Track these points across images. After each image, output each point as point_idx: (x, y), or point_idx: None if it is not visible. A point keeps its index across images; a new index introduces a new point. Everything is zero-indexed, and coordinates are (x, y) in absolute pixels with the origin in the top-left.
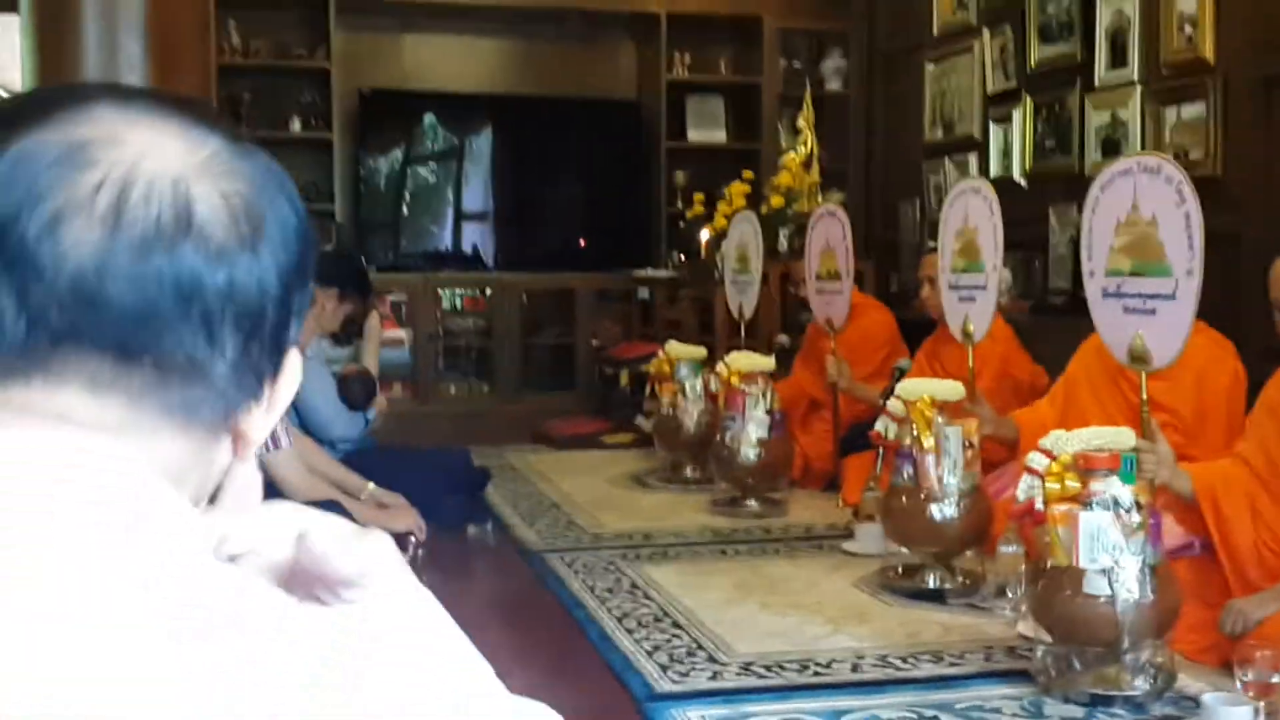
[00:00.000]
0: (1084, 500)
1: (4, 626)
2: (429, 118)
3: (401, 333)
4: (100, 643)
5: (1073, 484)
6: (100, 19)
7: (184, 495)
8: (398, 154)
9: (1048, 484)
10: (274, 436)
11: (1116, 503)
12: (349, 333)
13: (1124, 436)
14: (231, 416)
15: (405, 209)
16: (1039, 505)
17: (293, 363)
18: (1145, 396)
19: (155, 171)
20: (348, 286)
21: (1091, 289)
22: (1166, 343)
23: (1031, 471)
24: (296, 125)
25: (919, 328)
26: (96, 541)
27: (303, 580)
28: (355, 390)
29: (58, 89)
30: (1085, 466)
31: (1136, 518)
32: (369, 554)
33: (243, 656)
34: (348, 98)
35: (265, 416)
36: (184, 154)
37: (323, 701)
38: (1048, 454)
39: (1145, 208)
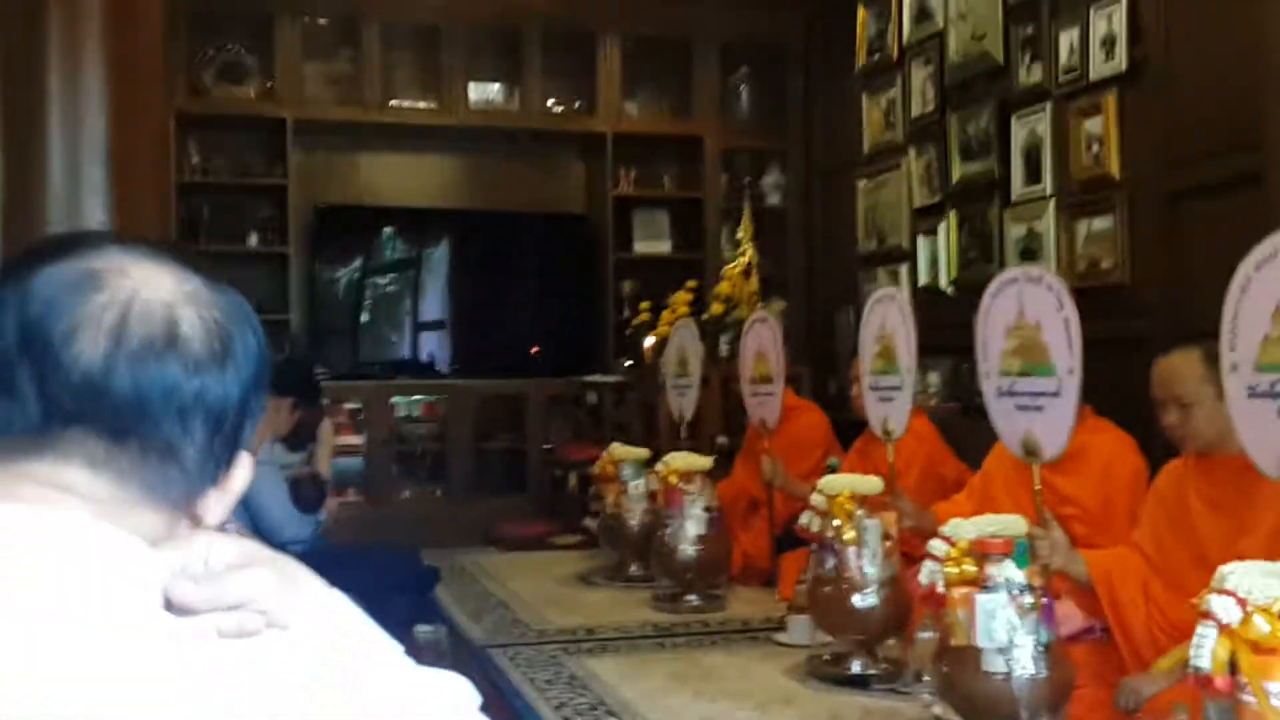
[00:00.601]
0: (980, 583)
1: (4, 627)
2: (385, 231)
3: (357, 440)
4: (100, 643)
5: (970, 568)
6: (64, 148)
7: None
8: (353, 266)
9: (947, 568)
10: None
11: (1011, 585)
12: (302, 438)
13: (1017, 524)
14: (193, 499)
15: (362, 319)
16: (940, 589)
17: (243, 460)
18: (1038, 487)
19: (150, 297)
20: (300, 394)
21: (987, 388)
22: (1054, 436)
23: (932, 557)
24: (254, 240)
25: (857, 428)
26: (96, 542)
27: None
28: (306, 493)
29: (76, 234)
30: (981, 551)
31: (1030, 599)
32: (244, 585)
33: (243, 656)
34: (304, 213)
35: (219, 502)
36: (174, 286)
37: (323, 701)
38: (947, 540)
39: (1030, 313)
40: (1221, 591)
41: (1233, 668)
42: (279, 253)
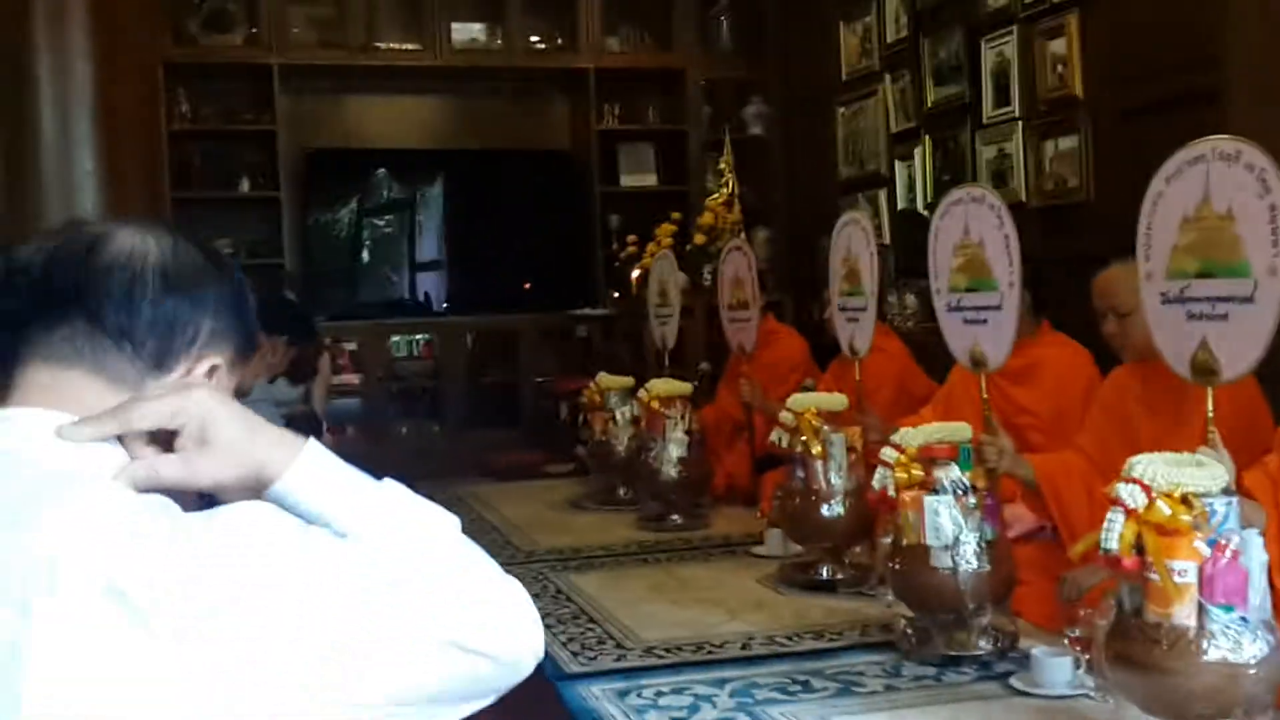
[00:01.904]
0: (928, 486)
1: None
2: (377, 173)
3: (355, 379)
4: (101, 643)
5: (918, 472)
6: (54, 99)
7: None
8: (344, 209)
9: (897, 473)
10: None
11: (955, 486)
12: (303, 373)
13: (961, 430)
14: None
15: (358, 260)
16: (891, 492)
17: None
18: (985, 396)
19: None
20: (290, 331)
21: (939, 304)
22: (997, 346)
23: (884, 464)
24: (246, 185)
25: (836, 351)
26: (98, 539)
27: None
28: (301, 429)
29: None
30: (928, 456)
31: (973, 500)
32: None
33: (243, 656)
34: (293, 158)
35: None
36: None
37: (323, 701)
38: (897, 447)
39: (974, 232)
40: (1129, 480)
41: (1140, 550)
42: (271, 197)
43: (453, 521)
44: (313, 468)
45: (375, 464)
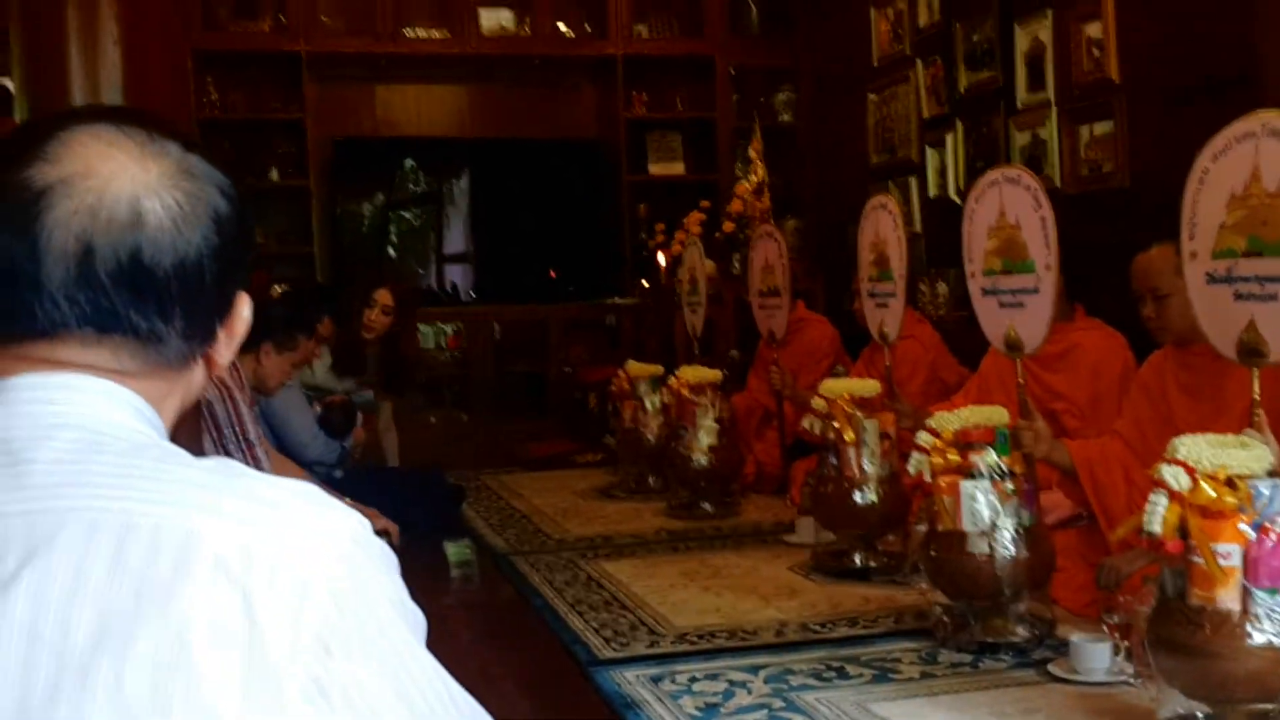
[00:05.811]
0: (964, 471)
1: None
2: (402, 162)
3: None
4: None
5: (954, 457)
6: (85, 88)
7: (168, 414)
8: (373, 198)
9: (933, 458)
10: (255, 459)
11: (992, 471)
12: (354, 358)
13: (998, 414)
14: (191, 357)
15: (387, 249)
16: (927, 478)
17: (243, 303)
18: (1021, 380)
19: (116, 194)
20: (321, 312)
21: (973, 288)
22: (1034, 330)
23: (919, 448)
24: (275, 174)
25: (867, 339)
26: (121, 399)
27: None
28: (336, 418)
29: (40, 123)
30: (964, 440)
31: (1011, 484)
32: None
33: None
34: (323, 146)
35: (227, 344)
36: (138, 176)
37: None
38: (933, 432)
39: (1010, 213)
40: (1172, 461)
41: (1184, 533)
42: (300, 186)
43: None
44: None
45: (405, 452)
